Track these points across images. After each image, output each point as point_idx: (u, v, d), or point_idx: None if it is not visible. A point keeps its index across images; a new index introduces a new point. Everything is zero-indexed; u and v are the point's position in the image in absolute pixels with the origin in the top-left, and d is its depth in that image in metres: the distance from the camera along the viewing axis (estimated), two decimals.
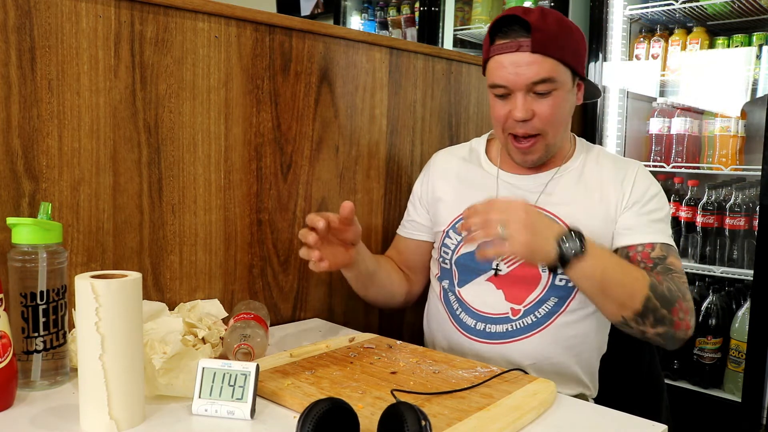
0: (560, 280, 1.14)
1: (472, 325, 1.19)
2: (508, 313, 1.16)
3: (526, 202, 1.00)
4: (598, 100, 2.29)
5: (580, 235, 0.98)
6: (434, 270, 1.31)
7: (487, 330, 1.17)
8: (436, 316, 1.28)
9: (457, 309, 1.22)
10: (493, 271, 1.18)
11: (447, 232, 1.26)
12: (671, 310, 1.04)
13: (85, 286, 0.73)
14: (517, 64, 1.08)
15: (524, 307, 1.15)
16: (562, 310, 1.15)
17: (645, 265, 1.11)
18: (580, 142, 1.27)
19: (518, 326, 1.15)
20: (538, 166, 1.21)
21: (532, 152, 1.16)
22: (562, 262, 0.98)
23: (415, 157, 1.57)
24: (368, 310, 1.47)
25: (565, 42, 1.10)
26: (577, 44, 1.14)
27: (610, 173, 1.20)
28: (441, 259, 1.27)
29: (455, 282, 1.24)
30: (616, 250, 1.16)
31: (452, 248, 1.24)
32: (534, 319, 1.15)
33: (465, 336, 1.20)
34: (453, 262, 1.23)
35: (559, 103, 1.11)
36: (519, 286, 1.16)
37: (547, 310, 1.15)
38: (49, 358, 0.87)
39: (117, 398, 0.74)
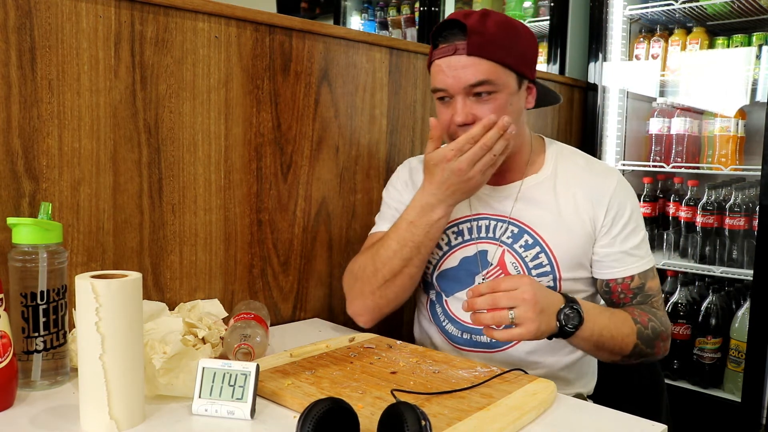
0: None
1: (458, 335, 1.19)
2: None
3: (529, 277, 0.99)
4: (599, 100, 2.29)
5: (577, 307, 1.01)
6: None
7: (474, 339, 1.17)
8: (423, 324, 1.28)
9: (444, 320, 1.22)
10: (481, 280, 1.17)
11: None
12: (654, 346, 1.13)
13: (85, 286, 0.73)
14: (455, 68, 1.07)
15: None
16: None
17: (625, 295, 1.16)
18: (551, 147, 1.23)
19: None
20: (503, 176, 1.18)
21: None
22: (563, 335, 1.01)
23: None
24: None
25: (507, 44, 1.07)
26: (524, 47, 1.11)
27: (586, 182, 1.17)
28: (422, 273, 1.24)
29: (440, 293, 1.23)
30: (595, 280, 1.18)
31: (433, 263, 1.22)
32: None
33: (451, 345, 1.20)
34: (434, 277, 1.22)
35: (501, 106, 1.08)
36: None
37: None
38: (50, 358, 0.87)
39: (117, 398, 0.74)
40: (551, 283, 1.14)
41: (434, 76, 1.11)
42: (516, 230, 1.16)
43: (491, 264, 1.17)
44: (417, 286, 1.29)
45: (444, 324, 1.21)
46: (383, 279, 1.14)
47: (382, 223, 1.27)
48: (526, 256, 1.15)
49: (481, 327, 1.00)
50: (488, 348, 1.16)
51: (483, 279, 1.17)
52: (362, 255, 1.21)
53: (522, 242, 1.15)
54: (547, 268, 1.14)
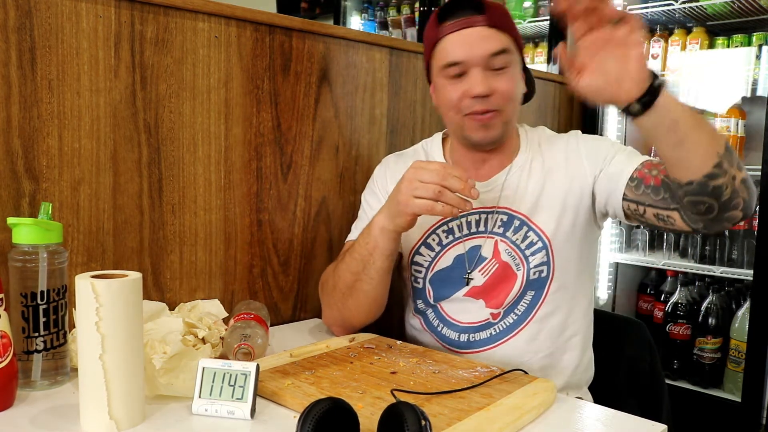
0: (534, 273, 1.13)
1: (455, 338, 1.17)
2: (488, 318, 1.15)
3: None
4: None
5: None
6: (407, 287, 1.26)
7: (471, 339, 1.16)
8: (415, 334, 1.25)
9: (438, 325, 1.20)
10: (465, 282, 1.16)
11: (417, 248, 1.20)
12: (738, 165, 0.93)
13: (85, 286, 0.73)
14: (474, 38, 1.07)
15: (503, 309, 1.14)
16: (540, 302, 1.13)
17: (658, 171, 1.04)
18: (521, 130, 1.22)
19: (500, 328, 1.14)
20: (492, 169, 1.18)
21: (492, 126, 1.11)
22: (657, 86, 0.83)
23: None
24: None
25: (514, 25, 1.11)
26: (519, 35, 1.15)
27: (556, 147, 1.17)
28: (413, 278, 1.22)
29: (430, 299, 1.21)
30: (621, 196, 1.09)
31: (425, 266, 1.20)
32: (515, 318, 1.14)
33: (448, 348, 1.18)
34: (427, 280, 1.20)
35: (515, 78, 1.10)
36: (496, 291, 1.14)
37: (525, 305, 1.14)
38: (50, 357, 0.87)
39: (117, 398, 0.74)
40: (544, 258, 1.12)
41: (447, 50, 1.09)
42: (505, 218, 1.15)
43: (486, 258, 1.16)
44: (407, 298, 1.27)
45: (440, 329, 1.19)
46: (340, 293, 1.14)
47: (355, 231, 1.25)
48: (517, 239, 1.14)
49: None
50: (485, 345, 1.15)
51: (470, 272, 1.15)
52: (332, 265, 1.21)
53: (512, 228, 1.14)
54: (539, 245, 1.13)
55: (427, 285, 1.21)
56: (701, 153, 0.88)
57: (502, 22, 1.08)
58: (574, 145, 1.16)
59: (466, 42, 1.07)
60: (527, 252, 1.14)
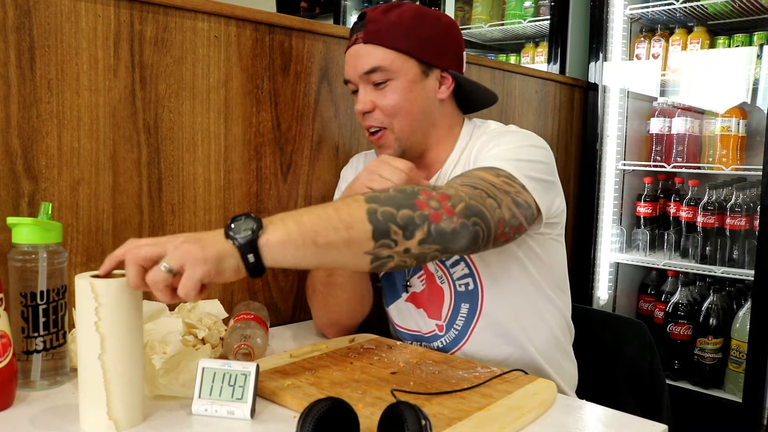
0: (460, 286, 1.10)
1: (410, 344, 1.17)
2: (434, 330, 1.14)
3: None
4: (599, 99, 2.29)
5: (249, 214, 0.76)
6: None
7: (425, 346, 1.15)
8: (393, 334, 1.26)
9: (396, 331, 1.21)
10: (405, 288, 1.16)
11: None
12: (413, 204, 0.81)
13: (84, 286, 0.73)
14: (354, 56, 1.07)
15: (444, 322, 1.13)
16: (477, 315, 1.11)
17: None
18: (467, 132, 1.13)
19: (447, 340, 1.13)
20: (427, 177, 1.12)
21: (384, 145, 1.10)
22: (249, 247, 0.73)
23: None
24: None
25: (406, 31, 1.04)
26: (432, 34, 1.06)
27: (478, 147, 1.07)
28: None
29: (384, 301, 1.22)
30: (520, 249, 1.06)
31: None
32: (456, 332, 1.12)
33: None
34: (381, 278, 1.21)
35: (398, 92, 1.05)
36: (433, 302, 1.14)
37: (463, 319, 1.11)
38: (49, 358, 0.87)
39: (117, 398, 0.74)
40: (466, 270, 1.09)
41: (344, 68, 1.12)
42: None
43: (420, 267, 1.14)
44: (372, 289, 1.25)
45: (399, 336, 1.20)
46: (320, 293, 1.15)
47: None
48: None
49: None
50: (443, 351, 1.13)
51: (409, 279, 1.15)
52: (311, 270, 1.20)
53: None
54: (456, 256, 1.09)
55: (383, 283, 1.22)
56: (351, 264, 0.82)
57: (380, 36, 1.04)
58: (491, 144, 1.05)
59: (350, 60, 1.09)
60: (447, 263, 1.11)
